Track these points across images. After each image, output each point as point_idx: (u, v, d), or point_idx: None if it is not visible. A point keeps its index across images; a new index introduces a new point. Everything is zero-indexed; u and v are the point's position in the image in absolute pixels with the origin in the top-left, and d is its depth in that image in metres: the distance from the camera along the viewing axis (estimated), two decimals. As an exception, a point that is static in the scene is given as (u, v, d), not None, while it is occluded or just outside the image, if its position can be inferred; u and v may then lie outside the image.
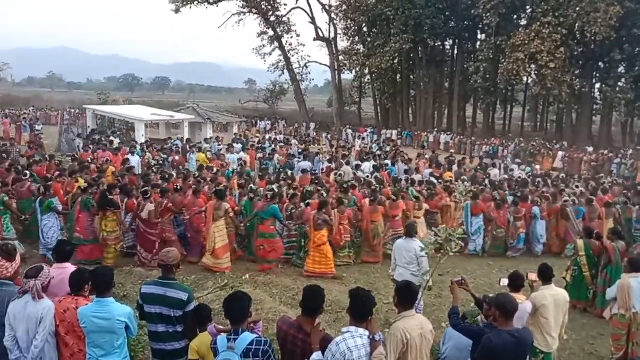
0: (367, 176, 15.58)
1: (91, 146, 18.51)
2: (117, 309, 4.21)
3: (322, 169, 17.55)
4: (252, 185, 12.38)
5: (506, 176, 18.77)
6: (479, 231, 12.54)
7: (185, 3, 42.63)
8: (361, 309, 3.78)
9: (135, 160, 15.92)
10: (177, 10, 43.23)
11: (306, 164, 17.97)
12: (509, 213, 12.69)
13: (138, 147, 18.56)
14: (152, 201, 9.92)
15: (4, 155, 15.37)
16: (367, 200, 11.79)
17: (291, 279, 9.48)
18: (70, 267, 4.94)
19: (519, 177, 18.53)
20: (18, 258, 4.63)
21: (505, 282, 5.55)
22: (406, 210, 11.92)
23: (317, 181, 13.63)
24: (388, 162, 19.37)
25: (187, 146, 19.83)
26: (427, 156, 22.80)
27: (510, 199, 13.50)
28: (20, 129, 27.66)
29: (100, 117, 28.94)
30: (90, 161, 15.03)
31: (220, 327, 4.28)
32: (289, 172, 15.59)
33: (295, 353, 3.90)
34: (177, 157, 17.76)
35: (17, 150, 18.20)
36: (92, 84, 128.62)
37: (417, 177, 16.00)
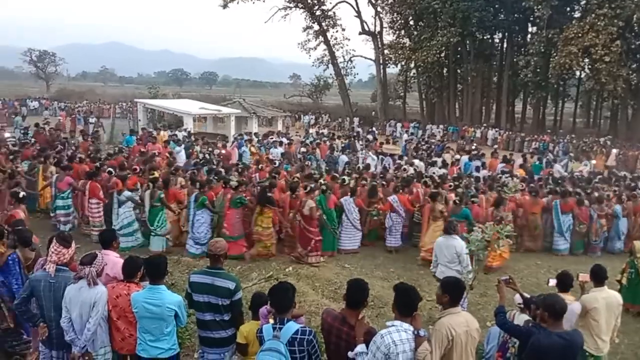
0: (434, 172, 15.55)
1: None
2: (168, 296, 4.36)
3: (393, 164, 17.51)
4: (321, 180, 12.24)
5: (566, 174, 18.19)
6: (570, 228, 12.22)
7: (233, -2, 43.02)
8: (407, 302, 3.77)
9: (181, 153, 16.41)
10: (225, 6, 43.64)
11: (344, 158, 18.25)
12: (591, 210, 12.42)
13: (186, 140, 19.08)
14: (312, 197, 10.10)
15: (63, 146, 16.00)
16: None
17: (333, 272, 9.51)
18: (110, 255, 5.12)
19: (580, 174, 18.00)
20: (73, 245, 4.85)
21: (553, 282, 5.44)
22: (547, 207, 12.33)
23: (382, 176, 13.69)
24: (458, 157, 19.23)
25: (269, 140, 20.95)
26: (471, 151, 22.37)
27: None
28: (75, 122, 28.81)
29: (150, 111, 29.80)
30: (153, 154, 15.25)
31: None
32: (359, 167, 15.70)
33: (339, 345, 3.93)
34: (223, 151, 18.09)
35: (74, 142, 18.70)
36: (143, 78, 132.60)
37: (484, 173, 15.99)
